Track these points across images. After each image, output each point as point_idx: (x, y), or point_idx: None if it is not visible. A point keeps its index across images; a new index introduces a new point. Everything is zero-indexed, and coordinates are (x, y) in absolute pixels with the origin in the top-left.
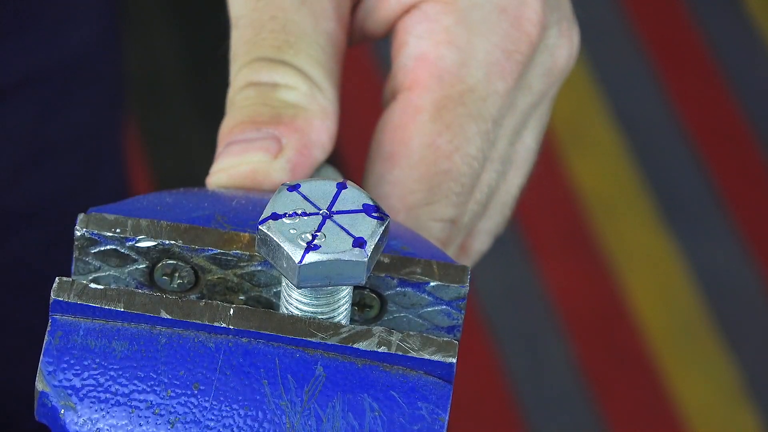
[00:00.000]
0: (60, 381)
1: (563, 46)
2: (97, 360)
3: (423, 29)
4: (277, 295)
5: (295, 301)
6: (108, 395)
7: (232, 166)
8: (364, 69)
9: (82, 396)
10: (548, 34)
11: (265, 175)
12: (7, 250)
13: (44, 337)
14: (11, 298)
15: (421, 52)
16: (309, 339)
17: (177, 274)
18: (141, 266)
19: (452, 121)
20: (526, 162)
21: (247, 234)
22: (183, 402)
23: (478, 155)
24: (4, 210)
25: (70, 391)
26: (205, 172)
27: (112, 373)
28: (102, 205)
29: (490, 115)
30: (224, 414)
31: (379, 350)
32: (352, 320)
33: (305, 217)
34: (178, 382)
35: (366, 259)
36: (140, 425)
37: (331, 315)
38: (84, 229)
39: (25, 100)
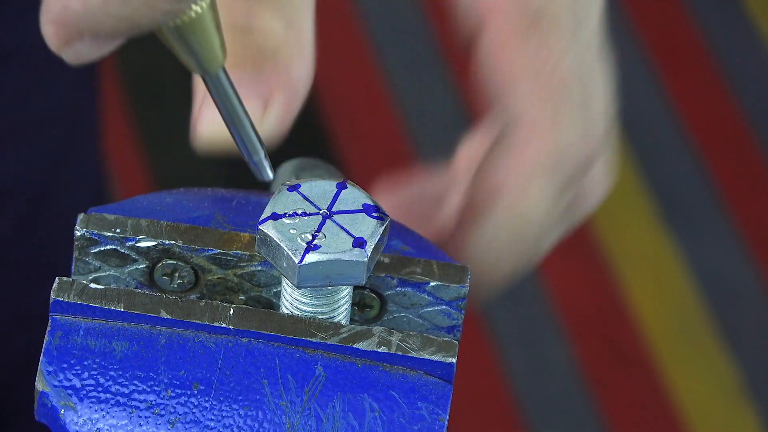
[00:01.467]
0: (60, 381)
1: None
2: (97, 360)
3: None
4: (277, 295)
5: (295, 301)
6: (108, 395)
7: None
8: (364, 70)
9: (82, 396)
10: None
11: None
12: None
13: (20, 319)
14: None
15: None
16: (309, 339)
17: (177, 274)
18: (141, 266)
19: (544, 33)
20: None
21: (247, 234)
22: (183, 402)
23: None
24: None
25: (70, 391)
26: (206, 172)
27: (112, 373)
28: (74, 190)
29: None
30: (224, 414)
31: (379, 350)
32: (352, 320)
33: (305, 217)
34: (178, 382)
35: (366, 259)
36: (140, 425)
37: (331, 315)
38: (84, 229)
39: None
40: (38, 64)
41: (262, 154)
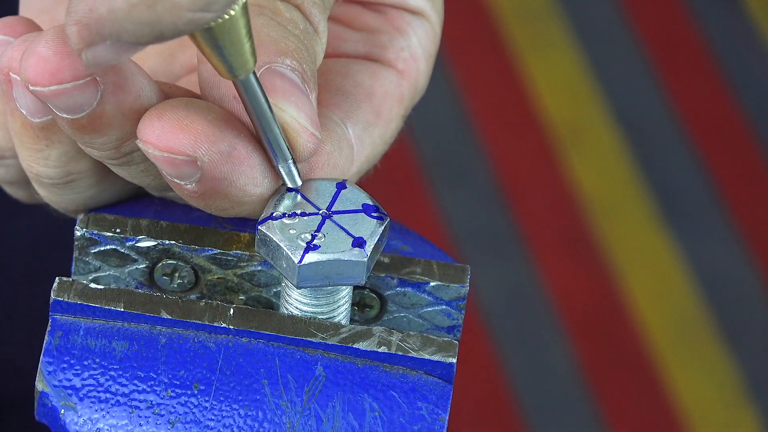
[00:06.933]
0: (60, 381)
1: None
2: (98, 360)
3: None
4: (277, 295)
5: (295, 301)
6: (108, 395)
7: None
8: None
9: (82, 396)
10: None
11: None
12: (10, 237)
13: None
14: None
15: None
16: (309, 339)
17: (177, 274)
18: (141, 266)
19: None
20: None
21: (246, 234)
22: (183, 402)
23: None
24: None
25: (70, 391)
26: None
27: (112, 373)
28: None
29: None
30: (224, 414)
31: (379, 350)
32: (352, 320)
33: (305, 217)
34: (178, 382)
35: (366, 259)
36: (140, 425)
37: (331, 315)
38: (84, 229)
39: None
40: None
41: (290, 160)
